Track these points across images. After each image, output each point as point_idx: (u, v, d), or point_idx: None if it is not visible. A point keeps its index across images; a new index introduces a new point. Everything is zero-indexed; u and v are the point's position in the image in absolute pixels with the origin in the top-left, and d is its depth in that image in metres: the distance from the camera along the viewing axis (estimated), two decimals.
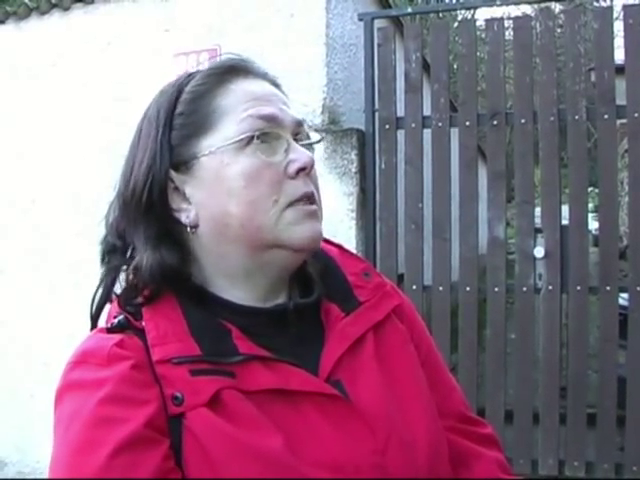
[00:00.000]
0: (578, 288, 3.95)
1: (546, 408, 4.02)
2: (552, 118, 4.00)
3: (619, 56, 4.05)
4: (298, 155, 1.05)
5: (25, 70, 5.25)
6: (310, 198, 1.06)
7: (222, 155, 1.03)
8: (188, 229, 1.06)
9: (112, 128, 4.69)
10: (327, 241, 1.24)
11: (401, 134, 4.33)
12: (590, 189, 4.46)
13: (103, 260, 1.11)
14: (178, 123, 1.07)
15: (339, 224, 4.19)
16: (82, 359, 0.98)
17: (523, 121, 4.06)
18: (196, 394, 0.94)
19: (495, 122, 4.12)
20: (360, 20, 4.45)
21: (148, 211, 1.06)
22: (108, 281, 1.09)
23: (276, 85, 1.17)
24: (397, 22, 5.47)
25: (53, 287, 5.10)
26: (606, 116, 3.92)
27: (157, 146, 1.06)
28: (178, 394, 0.94)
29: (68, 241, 4.98)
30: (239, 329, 1.02)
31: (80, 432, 0.90)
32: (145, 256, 1.03)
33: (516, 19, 4.42)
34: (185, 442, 0.93)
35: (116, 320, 1.02)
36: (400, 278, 4.23)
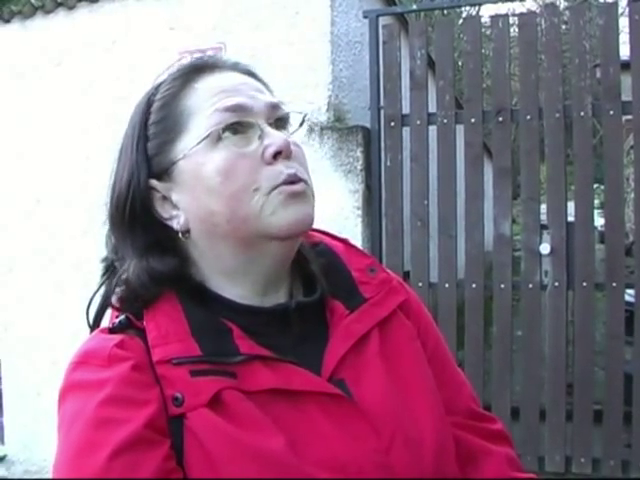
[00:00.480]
0: (584, 285, 3.95)
1: (552, 405, 4.01)
2: (557, 115, 4.00)
3: (624, 52, 4.04)
4: (272, 139, 1.02)
5: (30, 69, 5.26)
6: (294, 179, 1.02)
7: (197, 155, 1.02)
8: (180, 235, 1.06)
9: (117, 127, 4.67)
10: (332, 236, 1.23)
11: (406, 131, 4.33)
12: (596, 185, 4.46)
13: (103, 275, 1.12)
14: (152, 132, 1.07)
15: (345, 221, 4.19)
16: (83, 360, 0.98)
17: (528, 118, 4.06)
18: (196, 395, 0.94)
19: (500, 119, 4.11)
20: (365, 17, 4.45)
21: (132, 224, 1.06)
22: (105, 293, 1.09)
23: (250, 74, 1.13)
24: (402, 19, 5.46)
25: (59, 286, 5.11)
26: (612, 112, 3.91)
27: (134, 159, 1.07)
28: (178, 395, 0.93)
29: (74, 240, 4.99)
30: (240, 328, 1.01)
31: (80, 433, 0.90)
32: (132, 266, 1.03)
33: (521, 16, 4.42)
34: (186, 443, 0.92)
35: (117, 320, 1.02)
36: (406, 275, 4.23)
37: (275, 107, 1.08)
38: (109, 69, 4.97)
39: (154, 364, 0.96)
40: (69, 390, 0.97)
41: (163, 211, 1.07)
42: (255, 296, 1.07)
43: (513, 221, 4.25)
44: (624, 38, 4.21)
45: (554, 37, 4.09)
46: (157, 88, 1.10)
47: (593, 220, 4.08)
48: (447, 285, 4.20)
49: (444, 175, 4.24)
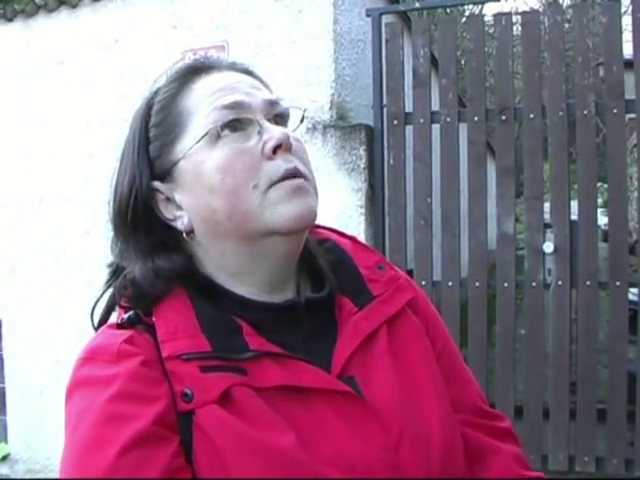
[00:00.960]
0: (587, 283, 3.94)
1: (556, 403, 4.01)
2: (561, 113, 3.99)
3: (628, 50, 4.03)
4: (271, 133, 1.02)
5: (33, 68, 5.26)
6: (294, 173, 1.02)
7: (196, 154, 1.03)
8: (184, 235, 1.06)
9: (120, 125, 4.68)
10: (340, 234, 1.24)
11: (409, 130, 4.33)
12: (599, 184, 4.45)
13: (109, 280, 1.11)
14: (153, 135, 1.08)
15: (348, 220, 4.19)
16: (92, 355, 0.98)
17: (532, 116, 4.05)
18: (206, 391, 0.93)
19: (504, 117, 4.11)
20: (368, 16, 4.44)
21: (135, 226, 1.07)
22: (111, 295, 1.09)
23: (247, 72, 1.14)
24: (405, 18, 5.46)
25: (63, 285, 5.11)
26: (615, 111, 3.90)
27: (135, 162, 1.07)
28: (188, 391, 0.93)
29: (77, 239, 5.00)
30: (250, 325, 1.01)
31: (89, 430, 0.89)
32: (137, 266, 1.03)
33: (524, 14, 4.41)
34: (195, 439, 0.92)
35: (126, 316, 1.02)
36: (409, 274, 4.19)
37: (273, 103, 1.08)
38: (112, 68, 4.97)
39: (163, 360, 0.96)
40: (77, 386, 0.96)
41: (167, 212, 1.07)
42: (262, 293, 1.07)
43: (516, 220, 4.25)
44: (627, 36, 4.19)
45: (557, 35, 4.08)
46: (156, 91, 1.12)
47: (596, 219, 4.08)
48: (450, 284, 4.20)
49: (447, 173, 4.24)
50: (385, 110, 4.35)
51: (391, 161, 4.31)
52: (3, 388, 5.49)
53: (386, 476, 0.96)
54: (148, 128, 1.09)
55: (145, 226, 1.07)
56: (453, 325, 4.02)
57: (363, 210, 4.22)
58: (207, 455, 0.91)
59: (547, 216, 4.09)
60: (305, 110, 1.16)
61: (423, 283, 4.17)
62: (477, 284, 4.15)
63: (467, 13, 19.20)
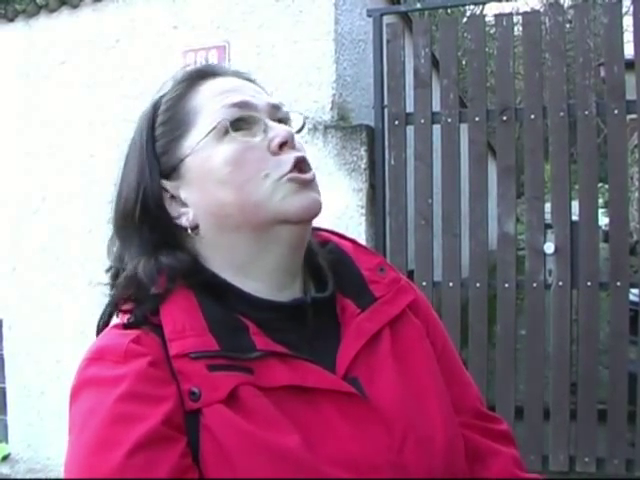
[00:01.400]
0: (588, 284, 3.94)
1: (556, 404, 4.01)
2: (562, 113, 3.99)
3: (629, 51, 4.03)
4: (276, 131, 1.05)
5: (34, 68, 5.27)
6: (302, 165, 1.05)
7: (204, 150, 1.05)
8: (189, 231, 1.07)
9: (122, 125, 4.70)
10: (341, 236, 1.25)
11: (410, 130, 4.33)
12: (600, 184, 4.45)
13: (111, 287, 1.11)
14: (159, 133, 1.09)
15: (349, 220, 4.19)
16: (98, 356, 0.98)
17: (533, 117, 4.05)
18: (213, 390, 0.94)
19: (504, 118, 4.11)
20: (369, 16, 4.44)
21: (141, 225, 1.08)
22: (110, 303, 1.08)
23: (250, 80, 1.17)
24: (406, 18, 5.46)
25: (65, 284, 5.12)
26: (616, 111, 3.90)
27: (143, 161, 1.09)
28: (195, 389, 0.93)
29: (79, 238, 5.00)
30: (256, 325, 1.02)
31: (96, 430, 0.89)
32: (141, 265, 1.04)
33: (525, 14, 4.41)
34: (202, 439, 0.92)
35: (132, 315, 1.02)
36: (410, 274, 4.22)
37: (276, 107, 1.11)
38: (113, 68, 4.97)
39: (171, 358, 0.96)
40: (83, 386, 0.96)
41: (172, 210, 1.08)
42: (271, 290, 1.07)
43: (517, 220, 4.25)
44: (628, 37, 4.19)
45: (558, 36, 4.08)
46: (163, 93, 1.13)
47: (597, 219, 4.07)
48: (451, 284, 4.20)
49: (448, 174, 4.24)
50: (386, 110, 4.35)
51: (392, 161, 4.31)
52: (4, 388, 5.49)
53: (390, 476, 0.97)
54: (154, 127, 1.10)
55: (150, 224, 1.08)
56: (454, 325, 4.02)
57: (364, 210, 4.22)
58: (214, 455, 0.92)
59: (548, 216, 4.09)
60: (306, 118, 1.18)
61: (424, 283, 4.18)
62: (478, 284, 4.15)
63: (468, 13, 19.23)
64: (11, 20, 5.40)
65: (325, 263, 1.15)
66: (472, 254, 4.19)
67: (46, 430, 5.15)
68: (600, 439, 3.96)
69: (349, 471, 0.94)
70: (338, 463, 0.94)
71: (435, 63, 4.50)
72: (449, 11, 13.89)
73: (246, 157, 1.03)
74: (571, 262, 3.99)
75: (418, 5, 4.77)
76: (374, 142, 4.31)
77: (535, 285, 4.05)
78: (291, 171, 1.03)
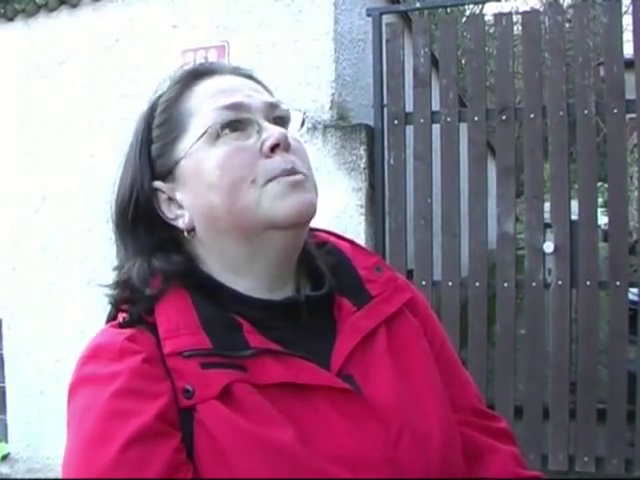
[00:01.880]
0: (588, 283, 3.94)
1: (556, 403, 4.01)
2: (561, 113, 3.99)
3: (628, 50, 4.03)
4: (269, 132, 1.04)
5: (34, 67, 5.27)
6: (293, 171, 1.03)
7: (197, 153, 1.05)
8: (185, 233, 1.08)
9: (121, 125, 4.70)
10: (338, 236, 1.25)
11: (410, 129, 4.33)
12: (599, 184, 4.45)
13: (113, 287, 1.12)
14: (155, 135, 1.10)
15: (348, 220, 4.19)
16: (94, 353, 0.99)
17: (532, 116, 4.05)
18: (207, 387, 0.94)
19: (504, 117, 4.11)
20: (368, 15, 4.44)
21: (135, 226, 1.09)
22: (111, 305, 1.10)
23: (250, 77, 1.16)
24: (405, 17, 5.46)
25: (64, 284, 5.12)
26: (615, 110, 3.90)
27: (137, 162, 1.10)
28: (189, 387, 0.94)
29: (78, 238, 5.00)
30: (250, 323, 1.02)
31: (92, 425, 0.90)
32: (135, 266, 1.05)
33: (525, 14, 4.41)
34: (196, 435, 0.93)
35: (127, 315, 1.03)
36: (409, 274, 4.22)
37: (273, 106, 1.10)
38: (112, 67, 4.97)
39: (165, 357, 0.97)
40: (79, 384, 0.97)
41: (168, 212, 1.09)
42: (262, 290, 1.08)
43: (517, 219, 4.25)
44: (628, 36, 4.19)
45: (558, 35, 4.08)
46: (160, 94, 1.13)
47: (597, 218, 4.07)
48: (450, 283, 4.20)
49: (447, 173, 4.24)
50: (385, 110, 4.35)
51: (391, 161, 4.31)
52: (3, 387, 5.49)
53: (385, 472, 0.97)
54: (151, 129, 1.10)
55: (145, 226, 1.09)
56: (453, 325, 4.02)
57: (363, 210, 4.22)
58: (208, 451, 0.92)
59: (547, 216, 4.09)
60: (305, 113, 1.18)
61: (423, 283, 4.18)
62: (477, 284, 4.15)
63: (467, 13, 19.22)
64: (10, 19, 5.40)
65: (323, 265, 1.15)
66: (471, 253, 4.20)
67: (45, 430, 5.15)
68: (599, 439, 3.97)
69: (344, 467, 0.94)
70: (333, 459, 0.94)
71: (434, 62, 4.50)
72: (448, 10, 13.89)
73: (235, 161, 1.02)
74: (570, 261, 3.99)
75: (417, 4, 4.78)
76: (373, 141, 4.31)
77: (534, 284, 4.05)
78: (279, 175, 1.02)
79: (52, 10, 5.24)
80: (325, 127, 4.30)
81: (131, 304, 1.04)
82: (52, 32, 5.25)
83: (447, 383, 1.15)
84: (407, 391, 1.07)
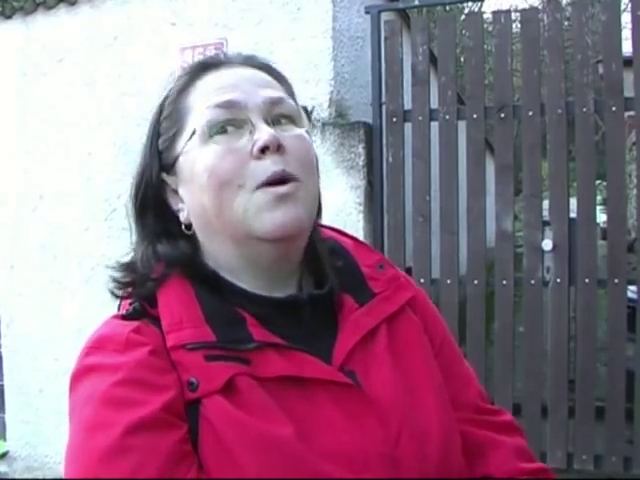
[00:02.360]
0: (586, 281, 3.94)
1: (554, 401, 4.01)
2: (560, 111, 3.99)
3: (627, 48, 4.03)
4: (260, 134, 1.01)
5: (32, 65, 5.26)
6: (282, 177, 1.00)
7: (191, 152, 1.04)
8: (183, 227, 1.08)
9: (119, 123, 4.70)
10: (341, 233, 1.25)
11: (408, 127, 4.32)
12: (598, 182, 4.45)
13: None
14: (162, 128, 1.10)
15: (346, 217, 4.19)
16: (99, 344, 0.98)
17: (531, 114, 4.05)
18: (210, 380, 0.94)
19: (502, 115, 4.11)
20: (367, 13, 4.44)
21: (143, 214, 1.10)
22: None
23: (263, 68, 1.14)
24: (404, 15, 5.46)
25: (63, 282, 5.11)
26: (614, 108, 3.90)
27: (147, 153, 1.11)
28: (193, 380, 0.94)
29: (76, 237, 4.99)
30: (253, 317, 1.02)
31: (94, 412, 0.90)
32: (140, 251, 1.07)
33: (523, 11, 4.41)
34: (201, 429, 0.93)
35: (131, 307, 1.02)
36: (408, 271, 4.21)
37: (275, 102, 1.07)
38: (111, 65, 4.96)
39: (169, 350, 0.97)
40: (83, 374, 0.97)
41: (174, 203, 1.10)
42: (262, 289, 1.07)
43: (515, 217, 4.25)
44: (627, 34, 4.19)
45: (556, 33, 4.08)
46: (171, 86, 1.13)
47: (595, 216, 4.08)
48: (449, 281, 4.20)
49: (446, 171, 4.23)
50: (384, 108, 4.34)
51: (390, 159, 4.31)
52: (2, 386, 5.49)
53: (384, 470, 0.97)
54: (160, 121, 1.11)
55: (154, 213, 1.10)
56: (451, 323, 4.02)
57: (362, 208, 4.22)
58: (211, 444, 0.92)
59: (546, 214, 4.08)
60: (313, 108, 1.17)
61: (422, 281, 4.17)
62: (476, 282, 4.15)
63: (466, 11, 19.19)
64: (8, 17, 5.38)
65: (327, 261, 1.15)
66: (470, 251, 4.19)
67: (44, 428, 5.15)
68: (598, 436, 3.96)
69: (343, 464, 0.94)
70: (332, 456, 0.94)
71: (433, 60, 4.50)
72: (447, 8, 13.87)
73: (223, 163, 1.01)
74: (569, 259, 3.98)
75: (416, 2, 4.76)
76: (372, 139, 4.30)
77: (533, 282, 4.05)
78: (266, 183, 1.00)
79: (50, 8, 5.23)
80: (323, 125, 4.29)
81: (133, 287, 1.05)
82: (50, 30, 5.24)
83: (448, 380, 1.14)
84: (407, 389, 1.07)
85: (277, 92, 1.09)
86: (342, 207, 4.19)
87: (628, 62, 3.89)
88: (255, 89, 1.07)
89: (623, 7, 5.51)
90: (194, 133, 1.03)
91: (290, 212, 1.00)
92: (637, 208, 4.03)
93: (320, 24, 4.37)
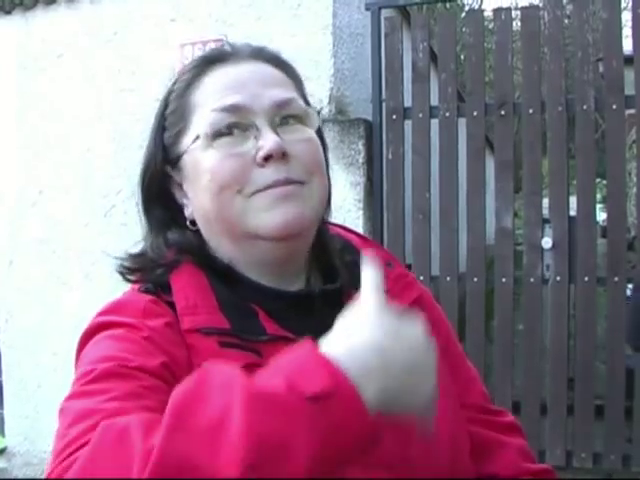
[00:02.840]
0: (586, 279, 3.94)
1: (554, 399, 4.01)
2: (560, 108, 3.99)
3: (627, 46, 4.03)
4: (263, 142, 1.00)
5: (32, 61, 5.25)
6: (284, 183, 1.00)
7: (195, 152, 1.04)
8: (188, 223, 1.08)
9: (118, 118, 4.70)
10: (348, 230, 1.26)
11: (408, 124, 4.32)
12: (598, 180, 4.45)
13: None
14: (168, 122, 1.09)
15: (346, 214, 4.18)
16: (116, 308, 0.99)
17: (531, 111, 4.05)
18: None
19: (503, 112, 4.10)
20: (367, 10, 4.43)
21: (149, 205, 1.10)
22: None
23: (272, 62, 1.14)
24: (404, 12, 5.44)
25: (61, 278, 5.10)
26: (614, 106, 3.90)
27: (152, 147, 1.10)
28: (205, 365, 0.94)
29: (75, 232, 4.99)
30: (265, 311, 1.02)
31: (102, 350, 0.91)
32: (150, 239, 1.07)
33: (524, 9, 4.42)
34: None
35: (145, 287, 1.03)
36: (407, 268, 4.21)
37: (282, 105, 1.06)
38: (111, 61, 4.95)
39: (183, 332, 0.97)
40: (96, 330, 0.97)
41: (179, 197, 1.10)
42: (271, 284, 1.07)
43: (515, 215, 4.25)
44: (627, 32, 4.20)
45: (557, 30, 4.08)
46: (176, 79, 1.12)
47: (595, 214, 4.08)
48: (448, 278, 4.20)
49: (446, 168, 4.23)
50: (384, 104, 4.34)
51: (390, 155, 4.30)
52: (0, 381, 5.48)
53: (392, 470, 0.96)
54: (165, 116, 1.10)
55: (161, 204, 1.10)
56: (451, 320, 3.95)
57: (361, 204, 4.21)
58: None
59: (546, 211, 4.08)
60: (320, 110, 1.16)
61: (421, 278, 4.16)
62: (475, 279, 4.14)
63: (467, 8, 19.18)
64: (8, 12, 5.37)
65: (337, 257, 1.14)
66: (469, 248, 4.19)
67: (43, 423, 5.14)
68: (597, 434, 3.97)
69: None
70: None
71: (433, 57, 4.49)
72: (447, 5, 13.84)
73: (225, 168, 1.00)
74: (569, 257, 3.98)
75: None
76: (372, 136, 4.30)
77: (532, 280, 4.04)
78: (267, 187, 1.00)
79: (50, 3, 5.22)
80: (323, 121, 4.24)
81: (144, 273, 1.05)
82: (50, 25, 5.23)
83: (453, 381, 1.14)
84: None
85: (285, 92, 1.08)
86: (342, 204, 4.18)
87: (628, 60, 3.89)
88: (262, 90, 1.05)
89: (624, 5, 5.50)
90: (198, 138, 1.03)
91: (292, 210, 1.00)
92: (637, 206, 4.03)
93: (320, 20, 4.36)
